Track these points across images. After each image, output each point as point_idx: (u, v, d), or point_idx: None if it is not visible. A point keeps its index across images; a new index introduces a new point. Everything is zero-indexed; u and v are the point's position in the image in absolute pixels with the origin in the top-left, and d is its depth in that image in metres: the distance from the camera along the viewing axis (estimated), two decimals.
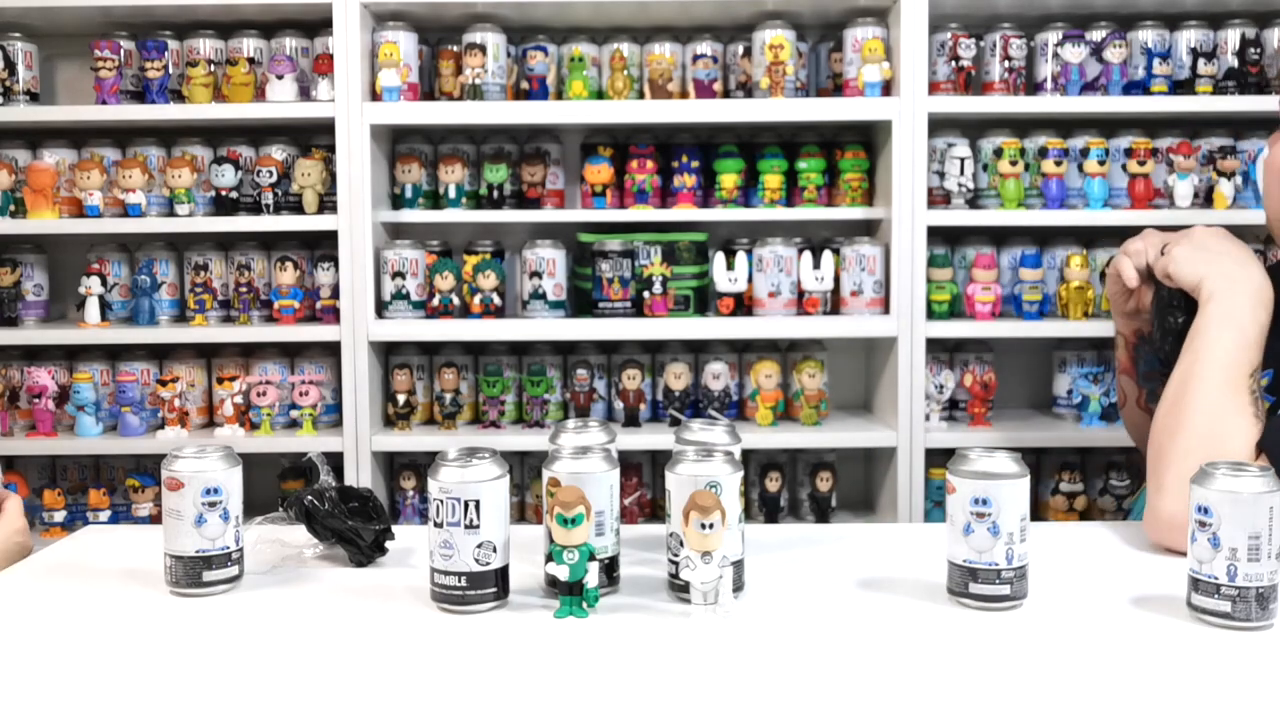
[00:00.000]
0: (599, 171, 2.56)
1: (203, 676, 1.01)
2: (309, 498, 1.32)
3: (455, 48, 2.56)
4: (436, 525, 1.13)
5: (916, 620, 1.13)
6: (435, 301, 2.51)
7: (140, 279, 2.56)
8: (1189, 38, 2.53)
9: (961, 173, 2.52)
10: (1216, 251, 1.39)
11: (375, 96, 2.47)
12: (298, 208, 2.52)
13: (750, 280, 2.51)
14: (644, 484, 2.60)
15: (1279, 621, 1.10)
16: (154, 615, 1.16)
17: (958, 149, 2.53)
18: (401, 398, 2.53)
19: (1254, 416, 1.33)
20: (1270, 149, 1.50)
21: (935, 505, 2.47)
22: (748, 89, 2.55)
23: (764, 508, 2.55)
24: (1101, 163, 2.47)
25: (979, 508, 1.13)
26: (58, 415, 2.52)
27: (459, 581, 1.13)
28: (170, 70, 2.53)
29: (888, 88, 2.44)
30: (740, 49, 2.57)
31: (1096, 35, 2.50)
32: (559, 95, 2.57)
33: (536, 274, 2.52)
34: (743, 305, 2.54)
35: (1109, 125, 2.59)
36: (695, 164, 2.58)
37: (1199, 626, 1.10)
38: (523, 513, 2.61)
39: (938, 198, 2.52)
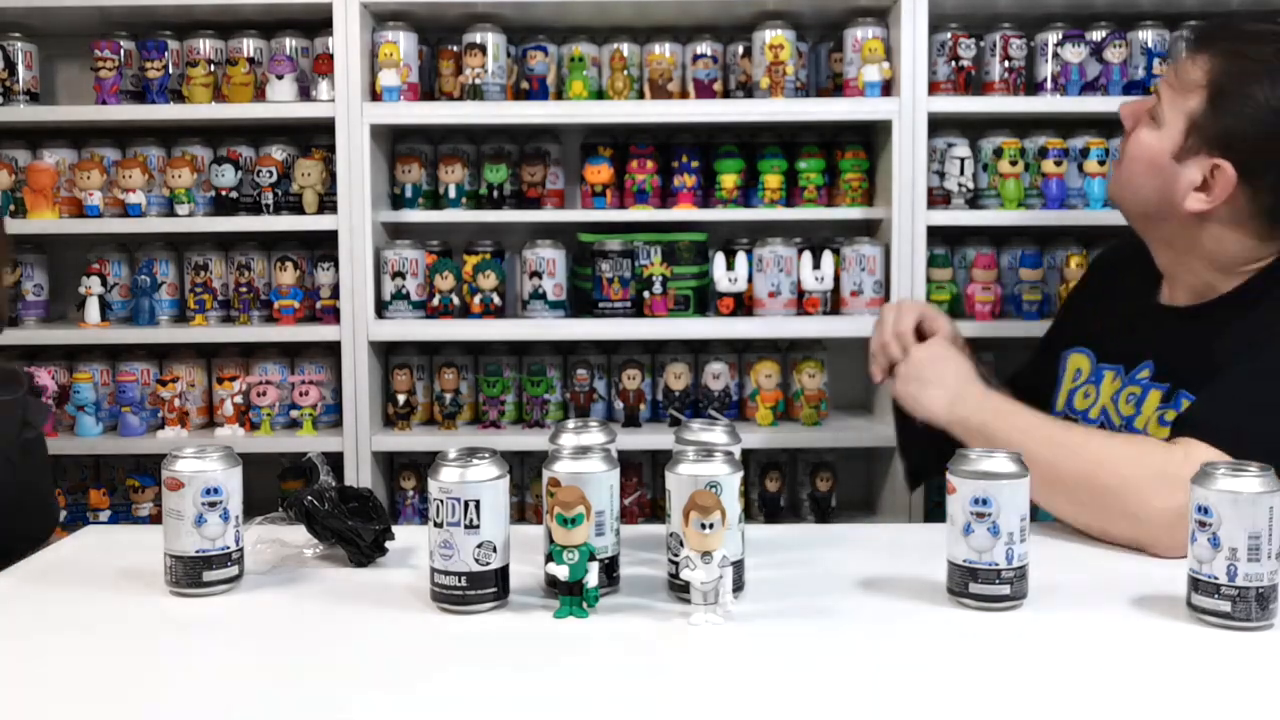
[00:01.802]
0: (599, 171, 2.56)
1: (203, 676, 1.01)
2: (309, 498, 1.32)
3: (455, 48, 2.56)
4: (436, 525, 1.13)
5: (916, 620, 1.13)
6: (435, 301, 2.50)
7: (140, 279, 2.56)
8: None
9: (961, 173, 2.51)
10: (930, 380, 1.52)
11: (375, 96, 2.47)
12: (298, 208, 2.52)
13: (750, 280, 2.51)
14: (644, 484, 2.60)
15: (1279, 622, 1.10)
16: (154, 615, 1.16)
17: (958, 149, 2.53)
18: (401, 398, 2.53)
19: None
20: (1127, 137, 1.55)
21: (935, 505, 2.46)
22: (748, 89, 2.55)
23: (764, 508, 2.55)
24: (1101, 163, 2.47)
25: (979, 508, 1.13)
26: (58, 415, 2.52)
27: (459, 581, 1.13)
28: (170, 70, 2.53)
29: (888, 88, 2.44)
30: (740, 49, 2.57)
31: (1096, 35, 2.50)
32: (559, 95, 2.57)
33: (536, 274, 2.52)
34: (743, 305, 2.53)
35: (1109, 125, 2.59)
36: (695, 164, 2.57)
37: (1199, 627, 1.10)
38: (523, 513, 2.61)
39: (938, 198, 2.52)
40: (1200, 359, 1.46)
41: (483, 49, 2.49)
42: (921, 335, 1.64)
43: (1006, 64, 2.52)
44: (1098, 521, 1.37)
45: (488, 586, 1.14)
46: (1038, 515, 1.40)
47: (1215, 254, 1.50)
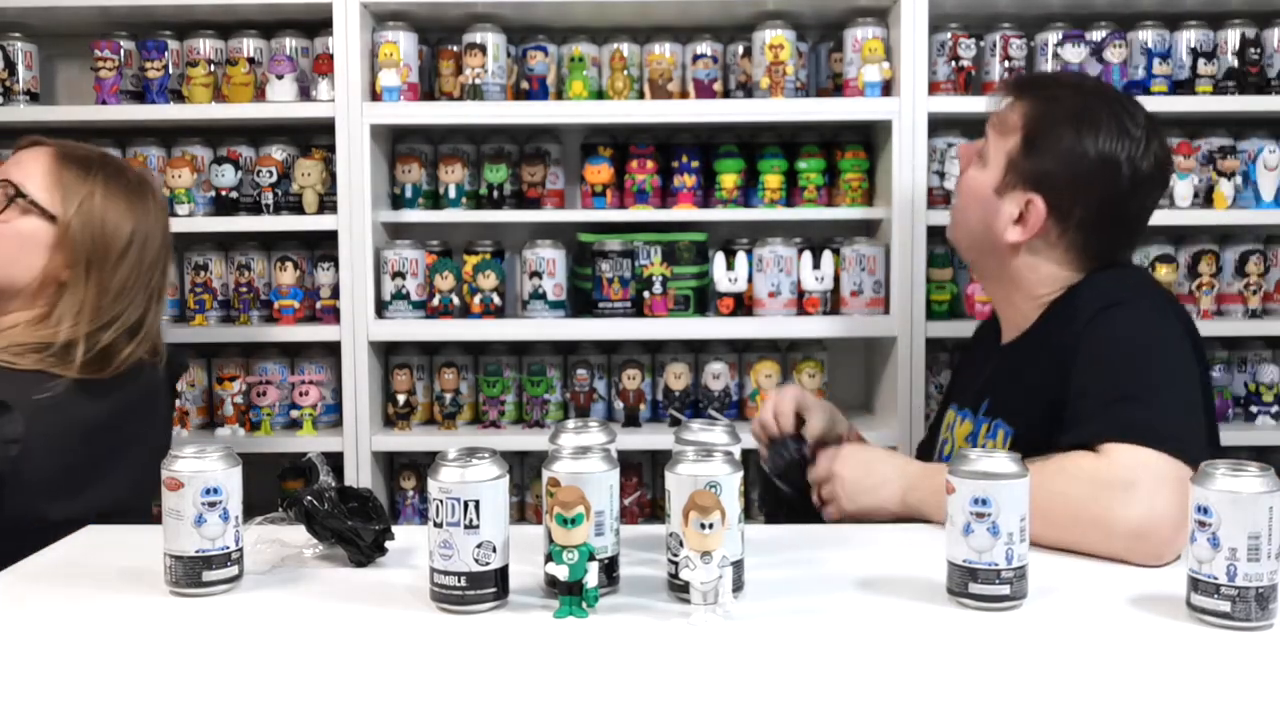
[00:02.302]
0: (599, 171, 2.56)
1: (203, 676, 1.01)
2: (309, 498, 1.32)
3: (455, 48, 2.56)
4: (436, 525, 1.13)
5: (916, 620, 1.13)
6: (435, 301, 2.51)
7: None
8: (1189, 38, 2.53)
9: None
10: (874, 485, 1.54)
11: (375, 96, 2.47)
12: (298, 208, 2.52)
13: (750, 280, 2.51)
14: (644, 484, 2.60)
15: (1279, 621, 1.10)
16: (154, 615, 1.16)
17: (958, 149, 2.52)
18: (401, 398, 2.53)
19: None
20: (961, 176, 1.69)
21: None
22: (748, 89, 2.55)
23: (764, 508, 2.54)
24: None
25: (979, 508, 1.13)
26: None
27: (459, 581, 1.13)
28: (170, 70, 2.53)
29: (888, 88, 2.44)
30: (740, 49, 2.57)
31: (1096, 35, 2.50)
32: (559, 95, 2.57)
33: (536, 274, 2.52)
34: (743, 305, 2.53)
35: None
36: (695, 164, 2.58)
37: (1198, 626, 1.10)
38: (523, 513, 2.61)
39: (938, 198, 2.52)
40: (1015, 390, 1.59)
41: (483, 49, 2.49)
42: (800, 420, 1.71)
43: (1006, 64, 2.52)
44: (1082, 548, 1.37)
45: (488, 586, 1.14)
46: None
47: (1031, 284, 1.61)
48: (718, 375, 2.56)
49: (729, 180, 2.56)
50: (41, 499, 1.54)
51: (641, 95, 2.56)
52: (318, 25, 2.55)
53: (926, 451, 1.83)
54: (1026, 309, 1.63)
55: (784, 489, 1.69)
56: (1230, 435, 2.48)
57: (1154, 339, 1.48)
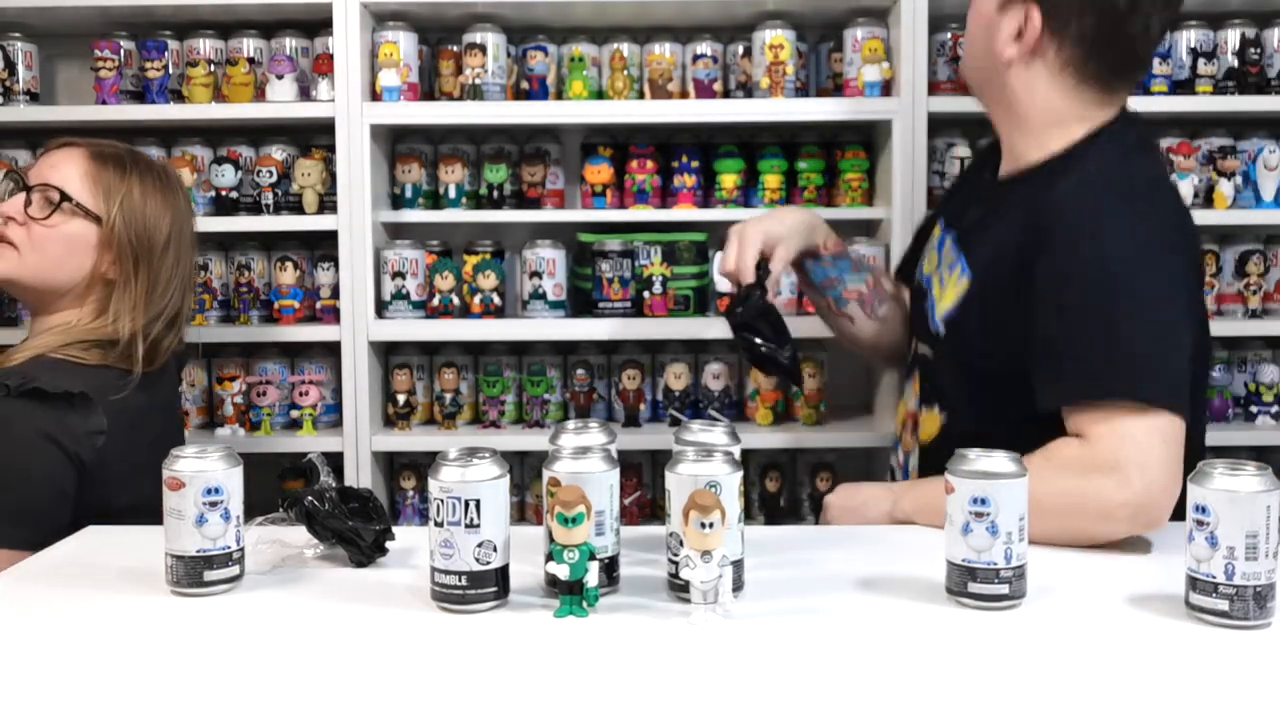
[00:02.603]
0: (599, 171, 2.56)
1: (203, 676, 1.02)
2: (309, 498, 1.32)
3: (455, 48, 2.56)
4: (436, 525, 1.14)
5: (916, 620, 1.13)
6: (435, 301, 2.51)
7: None
8: (1189, 38, 2.53)
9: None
10: (858, 507, 1.59)
11: (375, 96, 2.47)
12: (298, 208, 2.52)
13: None
14: (644, 484, 2.60)
15: (1277, 620, 1.10)
16: (154, 615, 1.16)
17: (958, 149, 2.53)
18: (401, 398, 2.53)
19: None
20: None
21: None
22: (748, 89, 2.55)
23: (764, 508, 2.55)
24: None
25: (978, 507, 1.13)
26: None
27: (459, 581, 1.13)
28: (170, 70, 2.53)
29: (888, 88, 2.44)
30: (740, 49, 2.57)
31: None
32: (559, 95, 2.57)
33: (536, 274, 2.52)
34: None
35: None
36: (695, 164, 2.58)
37: (1197, 626, 1.10)
38: (523, 513, 2.61)
39: (938, 198, 2.52)
40: (985, 237, 1.58)
41: (483, 49, 2.49)
42: (763, 263, 1.74)
43: None
44: (1082, 540, 1.38)
45: (488, 586, 1.14)
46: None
47: (1027, 108, 1.57)
48: (718, 375, 2.56)
49: (729, 180, 2.56)
50: (113, 488, 1.62)
51: (641, 95, 2.56)
52: (318, 25, 2.55)
53: (910, 262, 1.85)
54: (1024, 145, 1.60)
55: (755, 341, 1.72)
56: (1230, 435, 2.48)
57: (1135, 261, 1.43)
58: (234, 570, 1.22)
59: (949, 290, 1.61)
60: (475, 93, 2.49)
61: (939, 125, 2.51)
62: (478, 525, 1.12)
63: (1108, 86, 1.56)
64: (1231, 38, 2.51)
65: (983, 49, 1.60)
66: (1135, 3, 1.51)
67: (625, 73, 2.54)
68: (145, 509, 1.35)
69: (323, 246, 2.54)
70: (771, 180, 2.55)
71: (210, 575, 1.20)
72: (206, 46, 2.57)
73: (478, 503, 1.12)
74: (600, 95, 2.57)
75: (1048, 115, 1.56)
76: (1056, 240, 1.46)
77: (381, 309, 2.51)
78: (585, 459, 1.19)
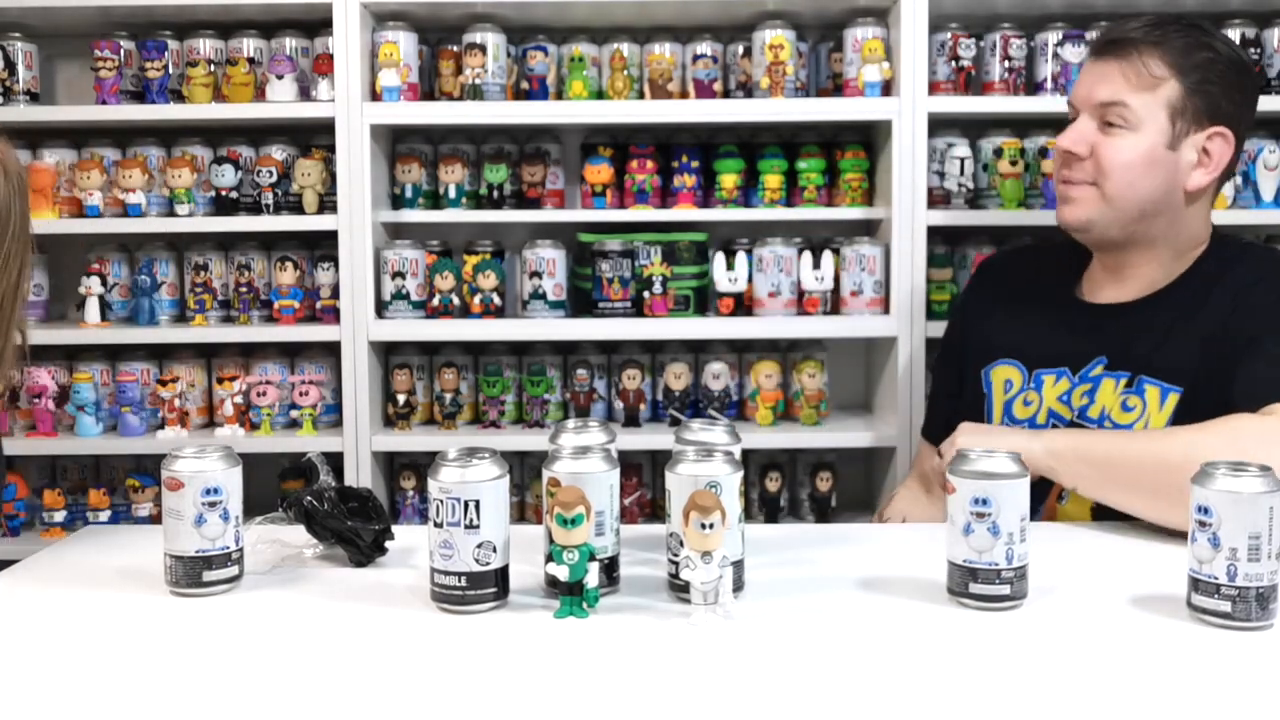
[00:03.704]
0: (599, 171, 2.56)
1: (203, 676, 1.01)
2: (309, 498, 1.32)
3: (455, 48, 2.56)
4: (436, 525, 1.13)
5: (916, 620, 1.13)
6: (435, 301, 2.50)
7: (140, 279, 2.56)
8: None
9: (961, 173, 2.52)
10: (987, 434, 1.57)
11: (375, 96, 2.47)
12: (298, 208, 2.52)
13: (750, 280, 2.51)
14: (644, 484, 2.60)
15: (1279, 621, 1.10)
16: (154, 615, 1.16)
17: (958, 149, 2.52)
18: (401, 398, 2.53)
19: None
20: (1083, 160, 1.65)
21: None
22: (748, 89, 2.55)
23: (764, 508, 2.55)
24: None
25: (979, 508, 1.13)
26: (58, 415, 2.52)
27: (459, 581, 1.13)
28: (170, 70, 2.53)
29: (888, 88, 2.44)
30: (740, 49, 2.57)
31: (1096, 35, 2.50)
32: (559, 95, 2.57)
33: (536, 274, 2.52)
34: (743, 305, 2.53)
35: None
36: (695, 164, 2.57)
37: (1199, 626, 1.10)
38: (523, 513, 2.61)
39: (938, 198, 2.52)
40: (1162, 345, 1.57)
41: (483, 49, 2.49)
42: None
43: (1006, 64, 2.52)
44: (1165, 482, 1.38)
45: (488, 586, 1.14)
46: (1037, 515, 1.40)
47: (1195, 231, 1.63)
48: (718, 375, 2.56)
49: (729, 180, 2.56)
50: None
51: (641, 95, 2.56)
52: (318, 25, 2.55)
53: (953, 415, 1.70)
54: (1169, 266, 1.63)
55: None
56: None
57: None
58: (233, 570, 1.22)
59: (1151, 418, 1.57)
60: (475, 93, 2.49)
61: (939, 125, 2.51)
62: (477, 526, 1.12)
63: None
64: (1232, 38, 2.51)
65: (1158, 190, 1.58)
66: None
67: (625, 73, 2.54)
68: None
69: (323, 246, 2.53)
70: (771, 180, 2.55)
71: (209, 575, 1.20)
72: (206, 46, 2.56)
73: (477, 503, 1.12)
74: (600, 95, 2.57)
75: (1198, 232, 1.63)
76: (1257, 304, 1.54)
77: (381, 309, 2.51)
78: (585, 459, 1.19)
